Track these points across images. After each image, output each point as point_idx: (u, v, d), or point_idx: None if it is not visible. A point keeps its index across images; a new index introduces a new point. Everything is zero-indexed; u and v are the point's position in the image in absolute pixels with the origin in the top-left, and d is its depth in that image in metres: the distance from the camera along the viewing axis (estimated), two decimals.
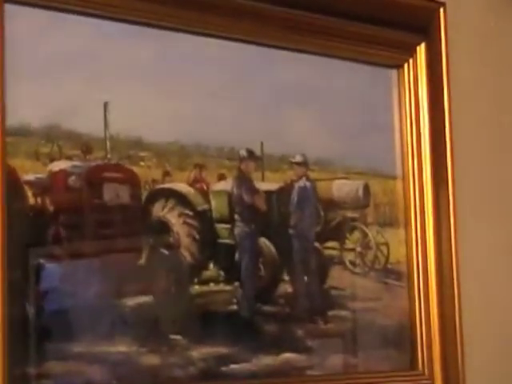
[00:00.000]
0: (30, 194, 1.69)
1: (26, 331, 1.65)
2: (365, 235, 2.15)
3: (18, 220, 1.64)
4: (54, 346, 1.67)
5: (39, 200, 1.71)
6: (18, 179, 1.67)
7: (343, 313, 2.09)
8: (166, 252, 1.86)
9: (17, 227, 1.63)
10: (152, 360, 1.78)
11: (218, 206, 1.94)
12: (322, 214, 2.09)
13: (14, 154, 1.66)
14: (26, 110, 1.68)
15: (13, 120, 1.65)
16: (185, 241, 1.87)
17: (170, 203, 1.87)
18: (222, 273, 1.93)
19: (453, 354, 2.16)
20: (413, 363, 2.17)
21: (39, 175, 1.71)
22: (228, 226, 1.94)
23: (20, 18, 1.68)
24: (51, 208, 1.72)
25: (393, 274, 2.18)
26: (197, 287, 1.88)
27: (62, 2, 1.72)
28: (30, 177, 1.69)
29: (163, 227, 1.86)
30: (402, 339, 2.17)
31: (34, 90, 1.69)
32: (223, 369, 1.86)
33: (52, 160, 1.72)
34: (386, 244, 2.17)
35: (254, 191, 1.98)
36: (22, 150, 1.68)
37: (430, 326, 2.17)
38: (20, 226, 1.65)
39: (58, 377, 1.66)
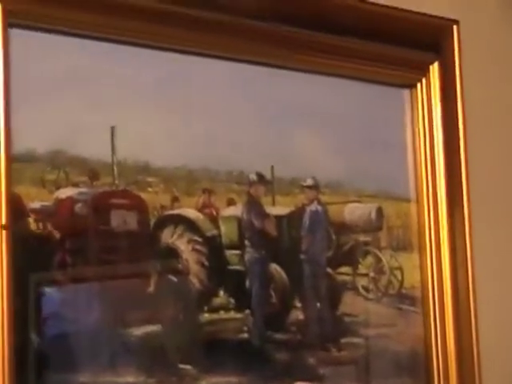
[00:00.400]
0: (35, 221, 1.66)
1: (30, 360, 1.61)
2: (378, 260, 2.11)
3: (24, 248, 1.61)
4: (59, 376, 1.64)
5: (45, 228, 1.67)
6: (24, 207, 1.64)
7: (356, 340, 2.04)
8: (174, 279, 1.82)
9: (22, 255, 1.60)
10: None
11: (227, 232, 1.90)
12: (334, 238, 2.05)
13: (19, 181, 1.63)
14: (31, 136, 1.65)
15: (18, 146, 1.62)
16: (194, 267, 1.84)
17: (179, 229, 1.84)
18: (232, 300, 1.89)
19: (470, 381, 2.11)
20: None
21: (45, 203, 1.68)
22: (238, 252, 1.91)
23: (25, 43, 1.65)
24: (57, 235, 1.68)
25: (407, 300, 2.14)
26: (206, 315, 1.85)
27: (68, 25, 1.69)
28: (36, 204, 1.66)
29: (172, 254, 1.83)
30: (417, 367, 2.13)
31: (39, 115, 1.66)
32: None
33: (58, 187, 1.69)
34: (400, 268, 2.13)
35: (264, 216, 1.94)
36: (28, 177, 1.65)
37: (446, 353, 2.12)
38: (26, 254, 1.61)
39: None
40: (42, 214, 1.66)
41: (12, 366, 1.54)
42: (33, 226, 1.65)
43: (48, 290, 1.65)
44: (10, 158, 1.58)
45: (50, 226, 1.67)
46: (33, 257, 1.64)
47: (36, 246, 1.65)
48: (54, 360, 1.64)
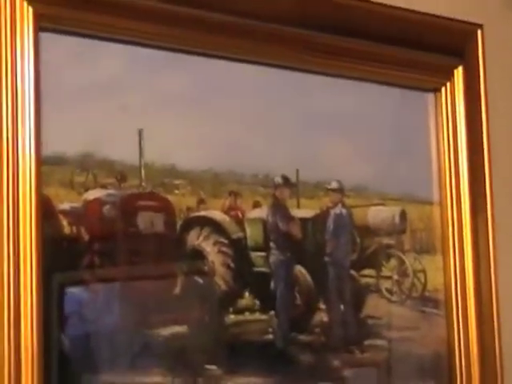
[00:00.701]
0: (65, 223, 1.68)
1: (60, 361, 1.63)
2: (402, 262, 2.12)
3: (53, 249, 1.63)
4: (87, 376, 1.66)
5: (74, 229, 1.70)
6: (53, 208, 1.66)
7: (379, 342, 2.05)
8: (200, 281, 1.84)
9: (52, 256, 1.62)
10: None
11: (253, 234, 1.92)
12: (358, 241, 2.06)
13: (48, 183, 1.65)
14: (60, 139, 1.67)
15: (47, 149, 1.64)
16: (220, 269, 1.86)
17: (205, 231, 1.86)
18: (257, 302, 1.91)
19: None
20: None
21: (74, 204, 1.70)
22: (263, 254, 1.92)
23: (55, 47, 1.67)
24: (86, 237, 1.71)
25: (430, 302, 2.14)
26: (232, 316, 1.86)
27: (96, 29, 1.71)
28: (65, 206, 1.69)
29: (198, 255, 1.85)
30: (440, 370, 2.13)
31: (68, 118, 1.69)
32: None
33: (87, 189, 1.72)
34: (424, 271, 2.14)
35: (289, 218, 1.95)
36: (57, 179, 1.68)
37: (469, 356, 2.12)
38: (55, 256, 1.64)
39: None
40: (71, 215, 1.69)
41: (40, 366, 1.56)
42: (62, 227, 1.68)
43: (76, 290, 1.68)
44: (40, 161, 1.61)
45: (78, 227, 1.70)
46: (61, 257, 1.66)
47: (65, 247, 1.68)
48: (80, 360, 1.66)
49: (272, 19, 1.91)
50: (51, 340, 1.62)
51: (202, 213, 1.86)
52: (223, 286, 1.85)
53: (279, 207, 1.94)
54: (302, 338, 1.94)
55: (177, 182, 1.82)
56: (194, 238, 1.84)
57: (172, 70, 1.83)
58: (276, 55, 1.96)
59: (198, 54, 1.86)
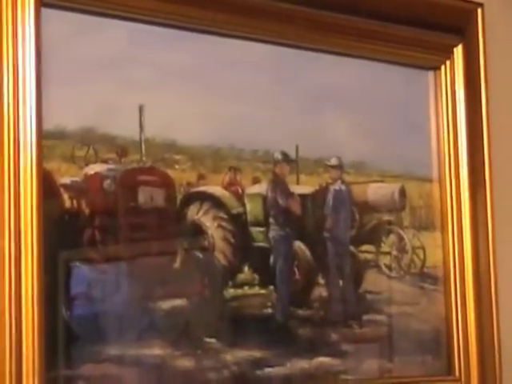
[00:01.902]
0: (65, 196, 1.70)
1: (61, 334, 1.66)
2: (401, 239, 2.13)
3: (54, 223, 1.65)
4: (88, 349, 1.68)
5: (75, 203, 1.71)
6: (54, 182, 1.68)
7: (378, 317, 2.07)
8: (200, 255, 1.86)
9: (53, 230, 1.64)
10: (186, 363, 1.78)
11: (252, 210, 1.93)
12: (358, 217, 2.07)
13: (50, 158, 1.67)
14: (61, 114, 1.69)
15: (49, 123, 1.65)
16: (219, 244, 1.87)
17: (205, 206, 1.87)
18: (256, 276, 1.92)
19: (490, 359, 2.14)
20: (449, 369, 2.15)
21: (75, 178, 1.71)
22: (263, 229, 1.94)
23: (56, 22, 1.68)
24: (86, 211, 1.72)
25: (429, 279, 2.16)
26: (231, 290, 1.88)
27: (98, 6, 1.72)
28: (66, 180, 1.70)
29: (198, 230, 1.86)
30: (439, 344, 2.15)
31: (69, 93, 1.70)
32: (257, 372, 1.86)
33: (87, 163, 1.73)
34: (423, 248, 2.15)
35: (288, 194, 1.97)
36: (58, 154, 1.69)
37: (467, 332, 2.14)
38: (56, 229, 1.65)
39: (93, 379, 1.67)
40: (72, 190, 1.70)
41: (42, 339, 1.58)
42: (63, 200, 1.69)
43: (77, 265, 1.69)
44: (41, 135, 1.62)
45: (79, 201, 1.71)
46: (62, 231, 1.68)
47: (65, 221, 1.69)
48: (82, 333, 1.68)
49: None
50: (53, 314, 1.64)
51: (202, 188, 1.87)
52: (223, 261, 1.87)
53: (279, 183, 1.96)
54: (301, 312, 1.96)
55: (177, 157, 1.83)
56: (194, 213, 1.86)
57: (173, 46, 1.84)
58: (280, 33, 1.97)
59: (200, 31, 1.87)
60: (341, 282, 2.03)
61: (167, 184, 1.82)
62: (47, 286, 1.60)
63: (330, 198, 2.03)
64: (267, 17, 1.93)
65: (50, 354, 1.61)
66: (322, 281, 2.01)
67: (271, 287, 1.93)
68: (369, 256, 2.09)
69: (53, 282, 1.63)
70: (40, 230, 1.60)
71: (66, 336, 1.66)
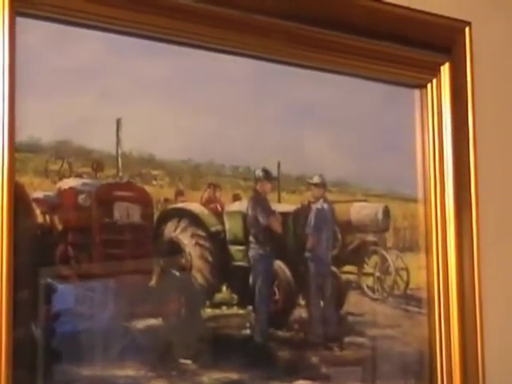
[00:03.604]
0: (38, 211, 1.65)
1: (31, 353, 1.60)
2: (384, 260, 2.09)
3: (26, 238, 1.60)
4: (60, 369, 1.63)
5: (47, 218, 1.67)
6: (27, 196, 1.63)
7: (360, 340, 2.03)
8: (177, 273, 1.81)
9: (24, 245, 1.59)
10: None
11: (232, 228, 1.89)
12: (340, 237, 2.03)
13: (22, 171, 1.62)
14: (35, 126, 1.64)
15: (22, 135, 1.61)
16: (197, 262, 1.82)
17: (183, 223, 1.83)
18: (235, 296, 1.88)
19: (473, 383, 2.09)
20: None
21: (48, 193, 1.67)
22: (242, 247, 1.89)
23: (31, 32, 1.64)
24: (60, 226, 1.67)
25: (412, 301, 2.12)
26: (209, 310, 1.83)
27: (75, 16, 1.68)
28: (39, 194, 1.65)
29: (175, 248, 1.82)
30: (422, 368, 2.11)
31: (44, 105, 1.66)
32: None
33: (61, 177, 1.68)
34: (406, 269, 2.11)
35: (269, 213, 1.92)
36: (31, 167, 1.64)
37: (451, 355, 2.10)
38: (27, 244, 1.61)
39: None
40: (45, 204, 1.66)
41: (10, 358, 1.53)
42: (35, 216, 1.64)
43: (49, 281, 1.64)
44: (13, 147, 1.57)
45: (52, 217, 1.67)
46: (34, 247, 1.63)
47: (37, 237, 1.64)
48: (51, 352, 1.62)
49: (257, 11, 1.88)
50: (23, 331, 1.58)
51: (180, 205, 1.83)
52: (200, 280, 1.82)
53: (260, 201, 1.91)
54: (281, 333, 1.91)
55: (155, 172, 1.79)
56: (172, 230, 1.81)
57: (152, 59, 1.80)
58: (260, 47, 1.93)
59: (179, 44, 1.83)
60: (322, 303, 1.98)
61: (144, 200, 1.77)
62: (16, 302, 1.55)
63: (311, 216, 1.98)
64: (249, 31, 1.90)
65: (19, 372, 1.55)
66: (302, 301, 1.96)
67: (250, 307, 1.88)
68: (351, 277, 2.04)
69: (22, 299, 1.58)
70: (10, 246, 1.54)
71: (36, 355, 1.60)
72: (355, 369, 2.01)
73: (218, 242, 1.86)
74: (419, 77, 2.19)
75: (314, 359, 1.95)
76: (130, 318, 1.72)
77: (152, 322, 1.75)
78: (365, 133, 2.09)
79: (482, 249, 2.14)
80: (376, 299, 2.06)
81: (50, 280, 1.64)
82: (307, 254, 1.97)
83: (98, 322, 1.69)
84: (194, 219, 1.84)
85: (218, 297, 1.85)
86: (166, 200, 1.81)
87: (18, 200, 1.58)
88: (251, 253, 1.90)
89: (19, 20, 1.61)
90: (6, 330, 1.53)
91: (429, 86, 2.19)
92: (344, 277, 2.03)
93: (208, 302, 1.83)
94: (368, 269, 2.07)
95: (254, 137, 1.91)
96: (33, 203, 1.64)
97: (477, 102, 2.19)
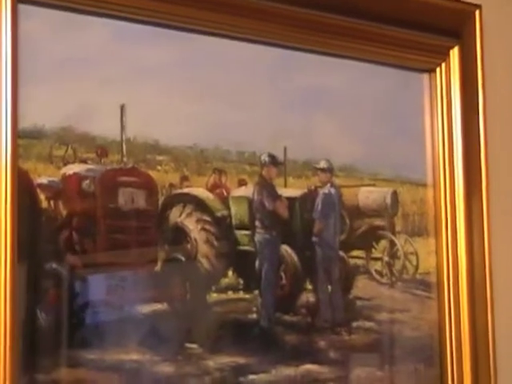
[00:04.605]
0: (42, 197, 1.66)
1: (36, 337, 1.61)
2: (392, 244, 2.08)
3: (30, 223, 1.61)
4: (65, 353, 1.64)
5: (52, 204, 1.68)
6: (31, 182, 1.64)
7: (368, 324, 2.02)
8: (182, 258, 1.81)
9: (28, 231, 1.60)
10: (166, 369, 1.73)
11: (237, 213, 1.89)
12: (348, 221, 2.02)
13: (26, 157, 1.63)
14: (39, 112, 1.65)
15: (26, 122, 1.62)
16: (202, 247, 1.83)
17: (188, 209, 1.83)
18: (241, 281, 1.88)
19: (484, 368, 2.08)
20: (442, 378, 2.09)
21: (52, 178, 1.68)
22: (248, 232, 1.89)
23: (34, 19, 1.65)
24: (64, 212, 1.69)
25: (422, 285, 2.11)
26: (214, 295, 1.84)
27: (78, 2, 1.69)
28: (43, 180, 1.66)
29: (180, 233, 1.82)
30: (431, 353, 2.10)
31: (48, 91, 1.67)
32: (241, 379, 1.81)
33: (66, 163, 1.69)
34: (415, 254, 2.10)
35: (275, 197, 1.92)
36: (35, 153, 1.65)
37: (461, 340, 2.09)
38: (31, 230, 1.62)
39: None
40: (49, 190, 1.67)
41: (15, 342, 1.54)
42: (39, 201, 1.65)
43: (53, 266, 1.65)
44: (16, 134, 1.59)
45: (56, 202, 1.68)
46: (38, 233, 1.64)
47: (42, 222, 1.66)
48: (57, 336, 1.64)
49: None
50: (27, 316, 1.60)
51: (186, 190, 1.83)
52: (206, 265, 1.83)
53: (265, 186, 1.91)
54: (288, 318, 1.91)
55: (160, 158, 1.79)
56: (177, 216, 1.81)
57: (156, 44, 1.80)
58: (267, 32, 1.92)
59: (183, 30, 1.83)
60: (329, 288, 1.98)
61: (149, 185, 1.78)
62: (20, 286, 1.56)
63: (318, 201, 1.98)
64: (257, 16, 1.89)
65: (24, 357, 1.57)
66: (309, 286, 1.96)
67: (256, 292, 1.88)
68: (359, 261, 2.04)
69: (25, 283, 1.59)
70: (14, 231, 1.56)
71: (41, 339, 1.62)
72: (364, 353, 2.01)
73: (223, 227, 1.86)
74: (428, 61, 2.17)
75: (322, 344, 1.94)
76: (135, 303, 1.73)
77: (157, 306, 1.75)
78: (373, 117, 2.08)
79: (492, 233, 2.11)
80: (384, 283, 2.05)
81: (53, 264, 1.65)
82: (314, 239, 1.97)
83: (103, 307, 1.70)
84: (200, 204, 1.85)
85: (224, 281, 1.85)
86: (171, 185, 1.81)
87: (23, 186, 1.59)
88: (257, 237, 1.90)
89: (21, 7, 1.62)
90: (10, 313, 1.54)
91: (438, 70, 2.18)
92: (352, 261, 2.02)
93: (214, 287, 1.84)
94: (376, 253, 2.06)
95: (260, 122, 1.91)
96: (37, 189, 1.65)
97: (487, 85, 2.17)
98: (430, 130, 2.17)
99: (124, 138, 1.73)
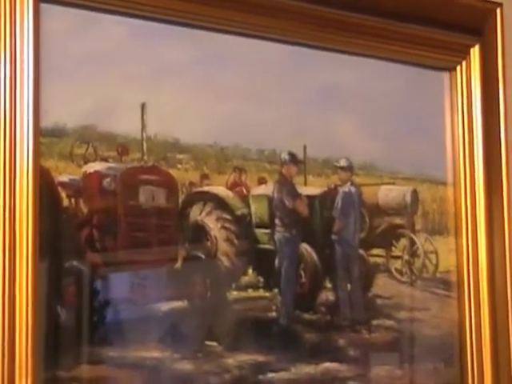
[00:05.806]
0: (63, 195, 1.67)
1: (57, 334, 1.63)
2: (412, 243, 2.08)
3: (51, 221, 1.62)
4: (85, 350, 1.65)
5: (73, 202, 1.69)
6: (52, 180, 1.65)
7: (388, 322, 2.02)
8: (202, 256, 1.82)
9: (49, 228, 1.61)
10: (186, 366, 1.74)
11: (257, 211, 1.89)
12: (368, 220, 2.02)
13: (48, 155, 1.64)
14: (61, 111, 1.66)
15: (47, 120, 1.63)
16: (222, 245, 1.83)
17: (208, 207, 1.84)
18: (261, 279, 1.88)
19: (505, 368, 2.06)
20: (462, 377, 2.08)
21: (73, 176, 1.69)
22: (268, 231, 1.90)
23: (56, 18, 1.66)
24: (85, 210, 1.70)
25: (442, 284, 2.10)
26: (235, 293, 1.84)
27: (98, 1, 1.70)
28: (64, 178, 1.68)
29: (200, 231, 1.83)
30: (451, 352, 2.09)
31: (69, 90, 1.68)
32: (260, 377, 1.82)
33: (87, 161, 1.70)
34: (435, 252, 2.09)
35: (295, 196, 1.92)
36: (57, 151, 1.67)
37: (481, 339, 2.08)
38: (53, 228, 1.63)
39: (90, 381, 1.64)
40: (70, 188, 1.68)
41: (36, 339, 1.55)
42: (60, 199, 1.66)
43: (74, 263, 1.66)
44: (38, 132, 1.60)
45: (77, 200, 1.69)
46: (59, 230, 1.65)
47: (63, 220, 1.67)
48: (77, 333, 1.65)
49: None
50: (49, 314, 1.61)
51: (206, 188, 1.84)
52: (226, 262, 1.83)
53: (285, 184, 1.92)
54: (307, 316, 1.91)
55: (180, 156, 1.80)
56: (197, 214, 1.82)
57: (177, 43, 1.81)
58: (286, 30, 1.93)
59: (204, 28, 1.83)
60: (349, 286, 1.98)
61: (169, 184, 1.79)
62: (42, 284, 1.57)
63: (338, 199, 1.98)
64: (275, 14, 1.89)
65: (44, 354, 1.58)
66: (329, 284, 1.96)
67: (276, 290, 1.88)
68: (379, 260, 2.04)
69: (47, 280, 1.60)
70: (36, 229, 1.57)
71: (61, 336, 1.63)
72: (383, 352, 2.01)
73: (243, 226, 1.87)
74: (449, 59, 2.16)
75: (342, 342, 1.94)
76: (155, 301, 1.73)
77: (177, 304, 1.76)
78: (393, 116, 2.08)
79: None
80: (404, 282, 2.05)
81: (73, 262, 1.66)
82: (334, 237, 1.97)
83: (123, 304, 1.71)
84: (220, 203, 1.85)
85: (244, 279, 1.86)
86: (191, 183, 1.82)
87: (44, 184, 1.60)
88: (277, 236, 1.90)
89: (43, 6, 1.63)
90: (32, 312, 1.55)
91: (458, 68, 2.17)
92: (372, 260, 2.02)
93: (234, 285, 1.84)
94: (396, 252, 2.06)
95: (280, 120, 1.91)
96: (58, 187, 1.66)
97: (508, 83, 2.15)
98: (450, 129, 2.16)
99: (144, 136, 1.74)
